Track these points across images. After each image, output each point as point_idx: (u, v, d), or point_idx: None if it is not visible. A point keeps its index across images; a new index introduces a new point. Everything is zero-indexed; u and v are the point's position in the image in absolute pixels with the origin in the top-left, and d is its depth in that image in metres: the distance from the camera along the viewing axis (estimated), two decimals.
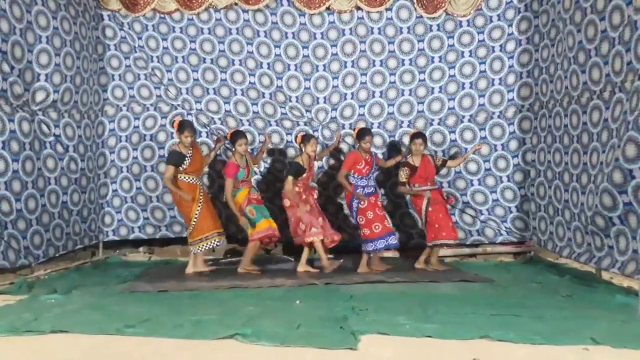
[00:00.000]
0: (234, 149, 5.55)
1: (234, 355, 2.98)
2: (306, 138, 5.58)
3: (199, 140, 6.41)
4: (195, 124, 6.44)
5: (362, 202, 5.44)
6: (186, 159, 5.34)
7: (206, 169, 6.15)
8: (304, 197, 5.51)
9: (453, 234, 5.54)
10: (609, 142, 4.43)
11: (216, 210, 5.78)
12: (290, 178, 5.48)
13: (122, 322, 3.49)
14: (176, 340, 3.21)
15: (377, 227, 5.46)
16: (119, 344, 3.16)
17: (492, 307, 3.94)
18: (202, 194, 5.47)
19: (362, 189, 5.52)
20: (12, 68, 4.96)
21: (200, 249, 5.46)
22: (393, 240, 5.55)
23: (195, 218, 5.39)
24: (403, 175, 5.55)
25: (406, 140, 6.33)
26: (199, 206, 5.39)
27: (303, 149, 5.57)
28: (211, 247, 5.50)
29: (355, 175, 5.55)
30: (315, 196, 5.69)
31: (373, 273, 5.40)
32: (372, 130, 6.34)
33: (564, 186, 5.25)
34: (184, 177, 5.39)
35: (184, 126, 5.36)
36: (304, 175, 5.54)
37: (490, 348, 3.05)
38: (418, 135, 5.67)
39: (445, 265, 5.76)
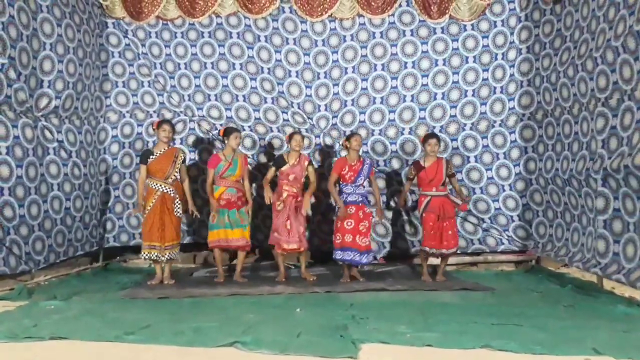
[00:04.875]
0: (225, 143, 5.53)
1: None
2: (291, 135, 5.62)
3: (201, 146, 6.49)
4: (197, 131, 6.50)
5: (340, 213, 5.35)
6: (152, 156, 5.33)
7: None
8: (284, 195, 5.45)
9: (433, 243, 5.33)
10: (618, 150, 4.44)
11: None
12: (272, 169, 5.58)
13: (121, 329, 3.48)
14: (176, 347, 3.20)
15: (338, 237, 5.38)
16: (118, 351, 3.15)
17: (493, 316, 3.92)
18: (159, 200, 5.25)
19: (345, 196, 5.42)
20: (19, 74, 4.99)
21: (142, 255, 5.35)
22: (354, 255, 5.32)
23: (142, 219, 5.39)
24: (409, 172, 5.66)
25: (407, 147, 6.35)
26: (147, 210, 5.25)
27: (289, 146, 5.63)
28: (148, 257, 5.29)
29: (340, 182, 5.51)
30: (302, 199, 5.47)
31: (346, 282, 5.33)
32: (373, 137, 6.38)
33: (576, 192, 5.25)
34: (149, 182, 5.34)
35: (160, 123, 5.42)
36: (284, 168, 5.49)
37: (491, 358, 3.03)
38: (432, 135, 5.62)
39: (446, 276, 5.59)
